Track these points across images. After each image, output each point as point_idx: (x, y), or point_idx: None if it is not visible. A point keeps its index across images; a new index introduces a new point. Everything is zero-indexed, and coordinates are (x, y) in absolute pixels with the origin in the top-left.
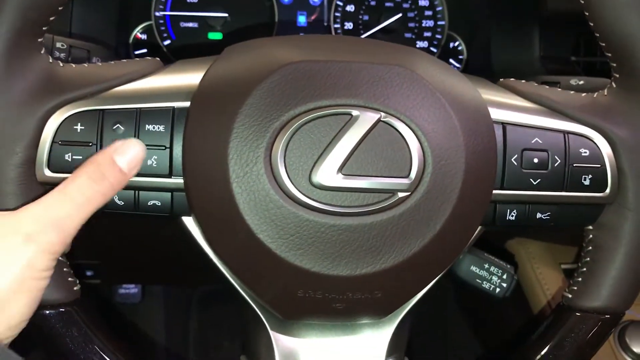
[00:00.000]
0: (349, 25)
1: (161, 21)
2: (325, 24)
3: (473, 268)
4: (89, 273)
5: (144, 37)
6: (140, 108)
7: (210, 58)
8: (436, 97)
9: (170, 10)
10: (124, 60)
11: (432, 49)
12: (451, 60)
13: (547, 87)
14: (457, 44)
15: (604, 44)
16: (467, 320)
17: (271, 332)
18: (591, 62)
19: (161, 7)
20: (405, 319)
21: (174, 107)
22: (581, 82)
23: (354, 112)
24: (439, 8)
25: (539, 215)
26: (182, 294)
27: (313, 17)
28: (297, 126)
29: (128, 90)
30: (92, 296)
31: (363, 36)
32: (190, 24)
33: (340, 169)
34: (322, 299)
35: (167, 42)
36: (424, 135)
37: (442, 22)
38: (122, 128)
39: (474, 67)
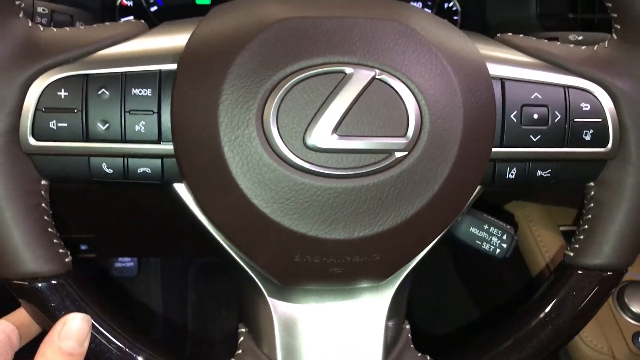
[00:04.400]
0: None
1: None
2: None
3: (472, 229)
4: (83, 247)
5: (129, 3)
6: (125, 72)
7: (196, 19)
8: (433, 52)
9: None
10: (107, 23)
11: (426, 9)
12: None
13: (546, 41)
14: (451, 4)
15: None
16: (464, 284)
17: (269, 299)
18: (589, 18)
19: None
20: (405, 282)
21: (160, 69)
22: (580, 38)
23: (348, 70)
24: None
25: (539, 172)
26: (179, 266)
27: None
28: (289, 86)
29: (112, 53)
30: (88, 271)
31: None
32: None
33: (335, 130)
34: (319, 264)
35: (154, 8)
36: (421, 93)
37: None
38: (108, 93)
39: (469, 27)
